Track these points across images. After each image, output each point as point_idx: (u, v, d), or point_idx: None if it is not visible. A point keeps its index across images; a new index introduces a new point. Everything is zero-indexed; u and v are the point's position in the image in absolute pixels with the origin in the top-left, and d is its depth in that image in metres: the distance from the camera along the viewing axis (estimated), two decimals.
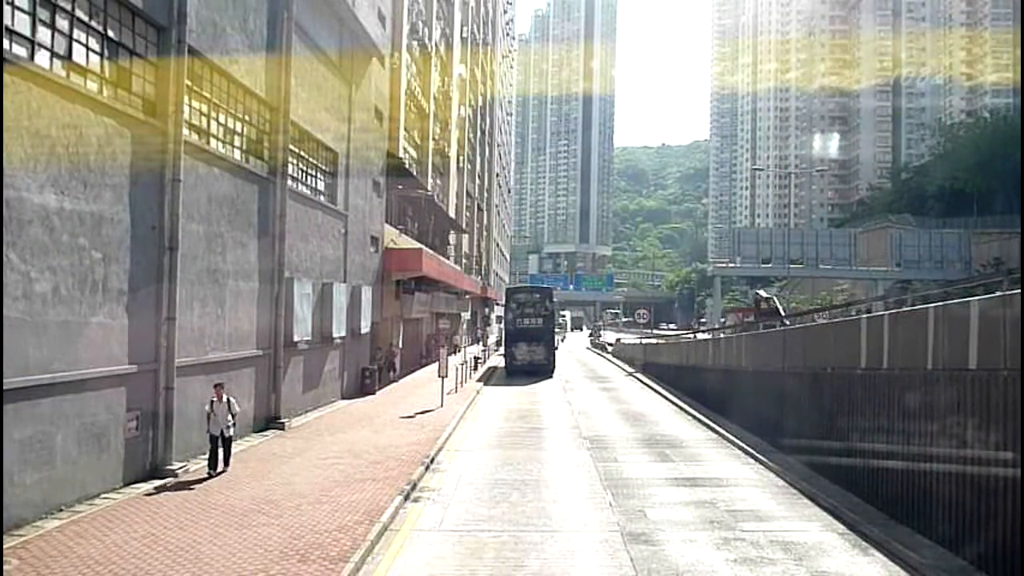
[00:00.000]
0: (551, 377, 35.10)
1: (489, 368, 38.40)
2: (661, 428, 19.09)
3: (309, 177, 20.44)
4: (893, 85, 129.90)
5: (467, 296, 55.29)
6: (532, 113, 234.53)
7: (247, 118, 16.36)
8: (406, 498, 11.81)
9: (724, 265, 70.87)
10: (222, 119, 15.20)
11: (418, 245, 30.62)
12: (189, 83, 13.49)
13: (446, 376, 22.63)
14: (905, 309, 11.09)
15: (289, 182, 18.37)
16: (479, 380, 31.38)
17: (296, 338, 18.36)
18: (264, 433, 16.73)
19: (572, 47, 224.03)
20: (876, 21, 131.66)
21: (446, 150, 52.22)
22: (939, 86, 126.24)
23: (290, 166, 18.73)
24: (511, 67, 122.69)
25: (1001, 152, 59.14)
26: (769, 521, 10.70)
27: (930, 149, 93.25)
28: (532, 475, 13.56)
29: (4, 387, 8.78)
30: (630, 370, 36.19)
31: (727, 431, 17.61)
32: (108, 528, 9.65)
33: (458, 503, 11.66)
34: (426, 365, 36.10)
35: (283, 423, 17.42)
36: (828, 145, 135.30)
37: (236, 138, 15.92)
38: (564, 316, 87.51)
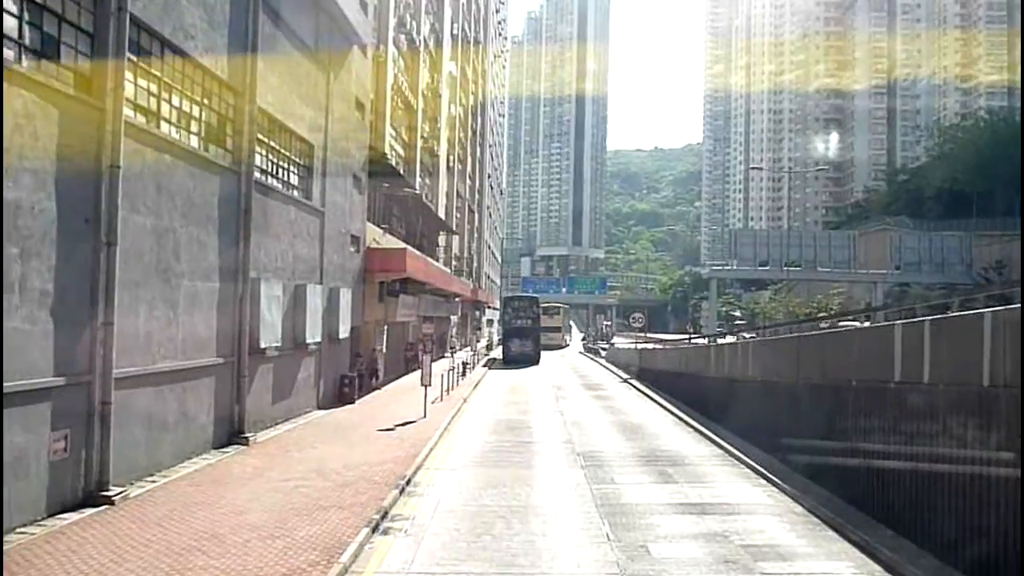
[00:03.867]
0: (537, 364, 45.90)
1: (479, 372, 36.91)
2: (661, 442, 17.63)
3: (281, 170, 18.92)
4: (888, 87, 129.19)
5: (457, 299, 53.80)
6: (525, 115, 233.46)
7: (206, 102, 14.83)
8: (374, 530, 10.29)
9: (721, 267, 69.52)
10: (176, 101, 13.66)
11: (402, 245, 29.07)
12: (133, 58, 11.97)
13: (429, 385, 21.10)
14: (953, 314, 9.66)
15: (257, 174, 16.86)
16: (467, 387, 29.86)
17: (263, 344, 16.83)
18: (225, 450, 15.16)
19: (565, 49, 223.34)
20: (871, 22, 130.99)
21: (435, 149, 50.78)
22: (934, 88, 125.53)
23: (258, 157, 17.21)
24: (503, 67, 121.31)
25: (1001, 154, 58.02)
26: (793, 560, 9.23)
27: (927, 150, 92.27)
28: (519, 500, 12.06)
29: None
30: (625, 376, 34.75)
31: (733, 446, 16.16)
32: (16, 573, 8.12)
33: (433, 536, 10.15)
34: (412, 371, 34.55)
35: (247, 438, 15.87)
36: (822, 147, 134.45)
37: (193, 123, 14.37)
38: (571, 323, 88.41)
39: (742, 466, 14.72)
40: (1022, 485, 7.17)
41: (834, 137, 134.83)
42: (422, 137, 45.83)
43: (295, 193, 19.77)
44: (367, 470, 13.70)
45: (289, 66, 18.76)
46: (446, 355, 45.04)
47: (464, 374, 33.87)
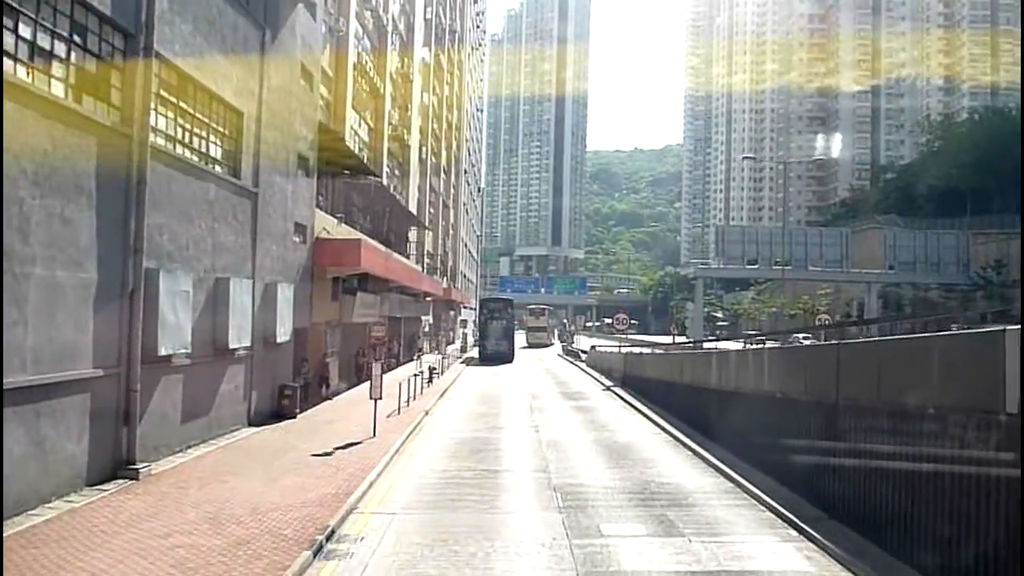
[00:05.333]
0: (511, 362, 47.78)
1: (449, 377, 33.58)
2: (656, 471, 14.50)
3: (196, 138, 15.60)
4: (872, 86, 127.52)
5: (428, 298, 50.56)
6: (504, 114, 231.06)
7: (77, 39, 11.52)
8: None
9: (707, 267, 66.73)
10: (24, 31, 10.35)
11: (358, 235, 25.72)
12: None
13: (380, 398, 17.85)
14: None
15: (158, 140, 13.60)
16: (431, 396, 26.61)
17: (164, 350, 13.50)
18: (104, 487, 11.84)
19: (545, 47, 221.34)
20: (856, 19, 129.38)
21: (405, 138, 47.61)
22: (919, 87, 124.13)
23: (161, 119, 13.95)
24: (481, 61, 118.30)
25: (999, 149, 55.66)
26: None
27: (918, 146, 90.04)
28: (475, 567, 8.88)
29: None
30: (607, 383, 31.60)
31: (746, 478, 13.09)
32: None
33: None
34: (369, 379, 31.25)
35: (138, 469, 12.53)
36: (805, 146, 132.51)
37: (57, 65, 11.07)
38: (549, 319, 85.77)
39: (762, 507, 11.65)
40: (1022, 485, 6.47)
41: (817, 136, 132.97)
42: (390, 124, 42.63)
43: (217, 168, 16.47)
44: (279, 517, 10.46)
45: (206, 11, 15.45)
46: (415, 358, 41.80)
47: (431, 380, 30.65)
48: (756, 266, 53.73)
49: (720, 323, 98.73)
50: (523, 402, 26.01)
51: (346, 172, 30.89)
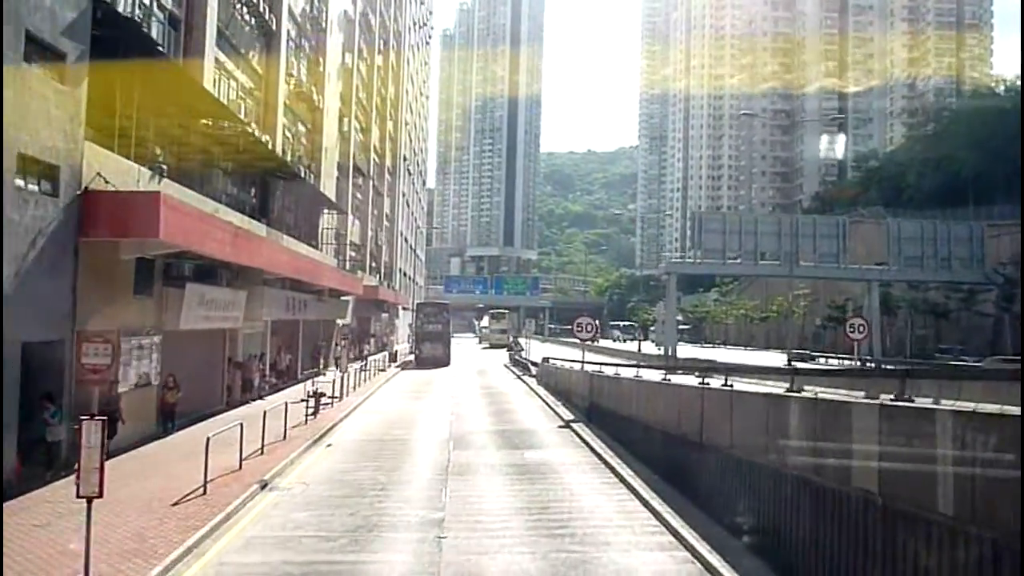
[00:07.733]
0: (448, 365, 46.68)
1: (353, 400, 24.09)
2: None
3: None
4: (838, 82, 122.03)
5: (344, 298, 41.23)
6: (456, 111, 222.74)
7: None
8: None
9: (681, 261, 58.56)
10: None
11: (155, 189, 16.08)
12: None
13: (98, 496, 8.52)
14: None
15: None
16: (302, 441, 17.40)
17: None
18: None
19: (498, 44, 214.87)
20: (821, 10, 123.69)
21: (317, 100, 38.32)
22: (884, 85, 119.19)
23: None
24: (427, 43, 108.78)
25: (1006, 132, 48.64)
26: None
27: (910, 128, 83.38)
28: None
29: None
30: (566, 416, 22.50)
31: None
32: None
33: None
34: (233, 407, 21.84)
35: None
36: (769, 141, 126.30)
37: None
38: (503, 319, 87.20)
39: None
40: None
41: (780, 132, 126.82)
42: (291, 75, 33.37)
43: None
44: None
45: None
46: (321, 372, 32.58)
47: (316, 412, 21.47)
48: (739, 260, 45.57)
49: (681, 327, 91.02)
50: (439, 456, 16.81)
51: (206, 123, 21.69)
